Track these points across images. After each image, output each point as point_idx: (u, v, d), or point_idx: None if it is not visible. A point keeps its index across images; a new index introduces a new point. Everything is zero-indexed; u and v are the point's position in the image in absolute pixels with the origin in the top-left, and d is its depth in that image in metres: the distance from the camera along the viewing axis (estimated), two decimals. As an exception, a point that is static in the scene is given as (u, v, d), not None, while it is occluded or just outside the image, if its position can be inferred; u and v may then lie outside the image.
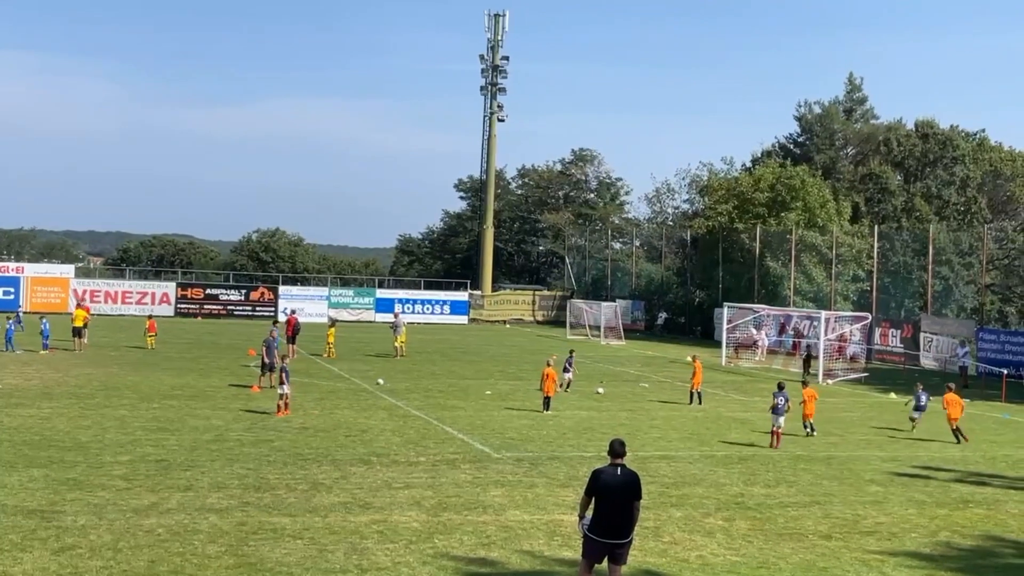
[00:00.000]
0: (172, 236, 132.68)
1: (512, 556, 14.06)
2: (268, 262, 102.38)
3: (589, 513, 11.89)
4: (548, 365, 29.58)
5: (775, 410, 24.51)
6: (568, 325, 67.18)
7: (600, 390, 34.03)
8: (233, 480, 18.00)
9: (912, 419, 27.72)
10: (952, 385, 28.18)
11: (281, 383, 26.43)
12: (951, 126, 77.22)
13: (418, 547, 14.23)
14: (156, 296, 68.91)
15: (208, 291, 71.58)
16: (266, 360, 31.40)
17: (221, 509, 15.86)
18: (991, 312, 62.67)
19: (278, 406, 26.22)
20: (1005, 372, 40.19)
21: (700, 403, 31.14)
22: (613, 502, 11.70)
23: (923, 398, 27.57)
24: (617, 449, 12.00)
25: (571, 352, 36.03)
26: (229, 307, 70.16)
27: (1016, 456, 24.58)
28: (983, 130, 79.16)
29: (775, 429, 24.47)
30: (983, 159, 74.91)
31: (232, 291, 72.35)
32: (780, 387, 25.25)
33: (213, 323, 64.37)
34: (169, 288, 70.49)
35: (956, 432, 26.41)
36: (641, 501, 11.97)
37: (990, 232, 63.60)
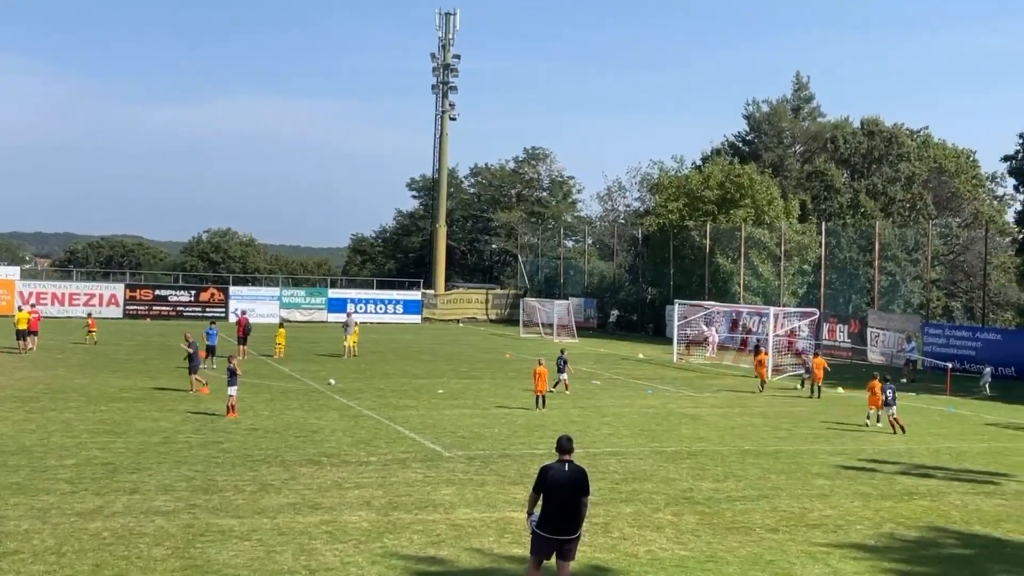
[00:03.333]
0: (121, 237, 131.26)
1: (462, 554, 14.07)
2: (219, 262, 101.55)
3: (537, 510, 11.94)
4: (540, 364, 29.50)
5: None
6: (521, 323, 67.28)
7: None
8: (181, 482, 17.83)
9: (892, 416, 27.78)
10: (877, 373, 29.15)
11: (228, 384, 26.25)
12: (896, 124, 78.45)
13: (367, 547, 14.19)
14: (104, 298, 68.02)
15: (157, 292, 70.83)
16: (194, 361, 31.17)
17: (168, 512, 15.70)
18: (936, 307, 63.69)
19: (227, 407, 26.02)
20: (950, 366, 40.85)
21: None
22: (561, 498, 11.75)
23: (888, 393, 27.74)
24: (565, 445, 12.06)
25: (562, 351, 35.25)
26: (178, 308, 69.42)
27: (959, 448, 24.99)
28: (927, 127, 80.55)
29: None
30: (927, 156, 76.13)
31: (181, 292, 71.61)
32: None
33: (162, 324, 63.65)
34: (117, 289, 69.62)
35: (871, 417, 27.92)
36: (589, 497, 12.04)
37: (935, 228, 64.65)
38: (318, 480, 18.46)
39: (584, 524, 12.21)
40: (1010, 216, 69.91)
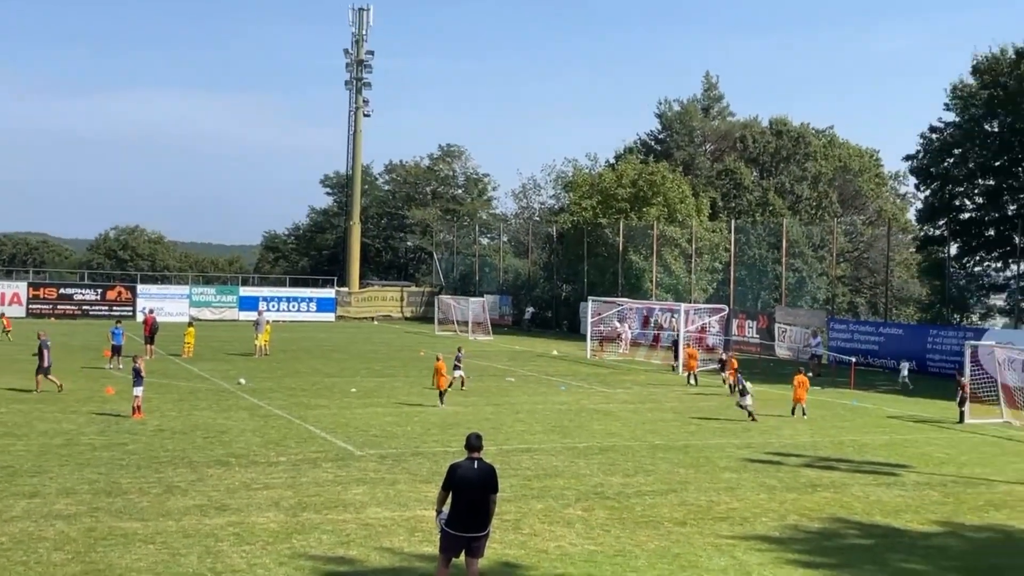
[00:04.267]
0: (25, 234, 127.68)
1: (371, 554, 14.00)
2: (127, 260, 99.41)
3: (446, 508, 11.95)
4: (438, 360, 29.62)
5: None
6: (436, 321, 67.15)
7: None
8: (83, 485, 17.44)
9: (743, 407, 28.36)
10: (801, 369, 30.40)
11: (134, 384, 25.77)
12: (802, 124, 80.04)
13: (275, 548, 14.05)
14: (7, 296, 66.16)
15: (62, 291, 69.14)
16: (45, 363, 30.30)
17: (69, 515, 15.35)
18: (842, 303, 65.18)
19: (133, 408, 25.51)
20: (854, 360, 41.81)
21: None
22: (470, 496, 11.77)
23: (742, 383, 28.69)
24: (474, 443, 12.09)
25: (459, 349, 35.18)
26: (84, 307, 67.87)
27: (862, 441, 25.63)
28: (832, 127, 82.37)
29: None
30: (833, 155, 77.80)
31: (87, 290, 69.98)
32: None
33: (67, 324, 62.11)
34: (20, 288, 67.79)
35: (797, 409, 28.98)
36: (498, 494, 12.09)
37: (840, 226, 66.17)
38: (226, 481, 18.21)
39: (493, 521, 12.26)
40: (911, 214, 71.94)
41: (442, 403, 28.90)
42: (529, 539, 15.01)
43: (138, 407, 25.50)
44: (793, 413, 29.09)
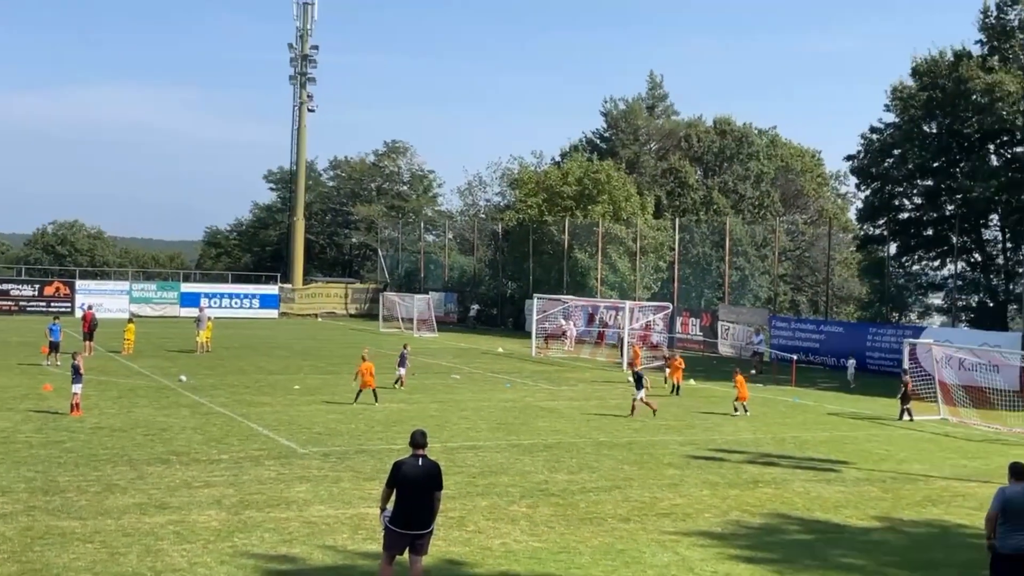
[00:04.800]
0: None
1: (314, 552, 13.89)
2: (65, 256, 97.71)
3: (390, 505, 11.89)
4: (364, 360, 29.22)
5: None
6: (381, 318, 66.84)
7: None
8: (19, 484, 17.10)
9: (638, 400, 28.48)
10: (737, 368, 30.87)
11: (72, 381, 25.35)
12: (746, 123, 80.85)
13: (216, 546, 13.88)
14: (-61, 292, 64.74)
15: (-2, 286, 67.77)
16: None
17: (4, 515, 15.04)
18: (783, 301, 65.99)
19: (71, 405, 25.09)
20: (795, 358, 42.33)
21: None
22: (415, 493, 11.73)
23: (640, 375, 28.88)
24: (418, 440, 12.04)
25: (405, 346, 34.86)
26: (21, 303, 66.59)
27: (803, 437, 25.95)
28: (775, 127, 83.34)
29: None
30: (775, 155, 78.73)
31: (24, 286, 68.64)
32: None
33: (3, 320, 60.92)
34: (-46, 283, 66.37)
35: (740, 407, 29.28)
36: (443, 492, 12.06)
37: (782, 225, 66.95)
38: (166, 479, 17.96)
39: (437, 519, 12.23)
40: (852, 213, 72.96)
41: (356, 401, 28.48)
42: (473, 536, 15.00)
43: (77, 404, 25.08)
44: (736, 411, 29.35)
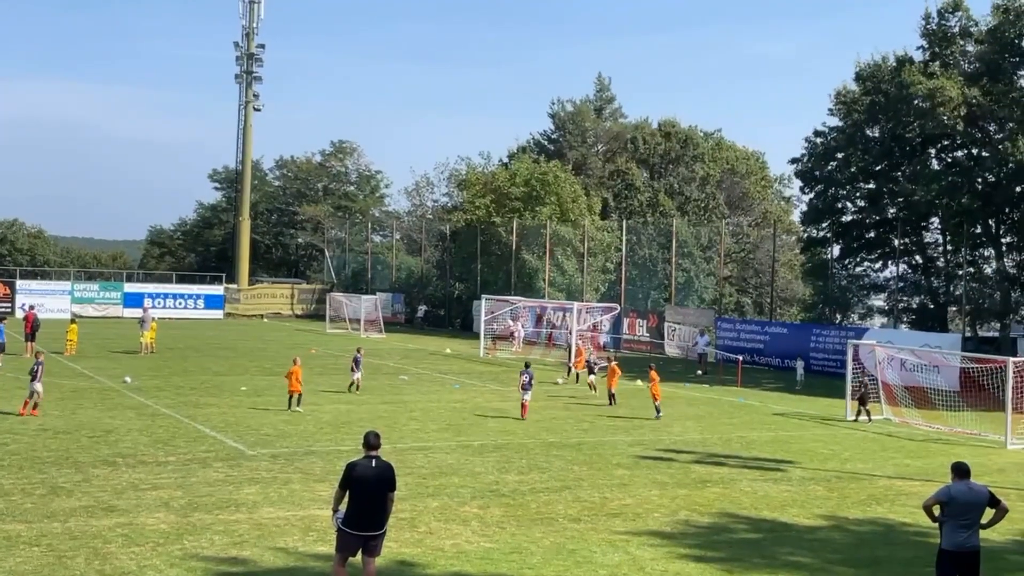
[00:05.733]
0: None
1: (265, 554, 13.82)
2: (5, 255, 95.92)
3: (343, 507, 11.87)
4: (295, 363, 27.87)
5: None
6: (328, 319, 66.48)
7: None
8: (-39, 488, 16.81)
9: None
10: (652, 364, 31.21)
11: (32, 379, 25.12)
12: (691, 126, 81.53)
13: (166, 549, 13.76)
14: None
15: (-66, 286, 66.36)
16: None
17: (-53, 519, 14.79)
18: (729, 303, 66.68)
19: (25, 403, 24.87)
20: (740, 359, 42.79)
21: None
22: (368, 494, 11.73)
23: (525, 378, 28.06)
24: (372, 441, 12.05)
25: (358, 350, 33.65)
26: (-41, 303, 65.25)
27: (750, 437, 26.26)
28: (720, 130, 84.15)
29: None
30: (721, 158, 79.49)
31: (-38, 286, 67.27)
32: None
33: (-60, 320, 59.68)
34: None
35: (656, 408, 28.85)
36: (395, 492, 12.06)
37: (727, 227, 67.66)
38: (113, 482, 17.75)
39: (390, 520, 12.22)
40: (796, 216, 73.88)
41: (290, 407, 27.22)
42: (425, 537, 15.01)
43: (34, 404, 24.87)
44: (658, 413, 28.64)
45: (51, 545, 13.68)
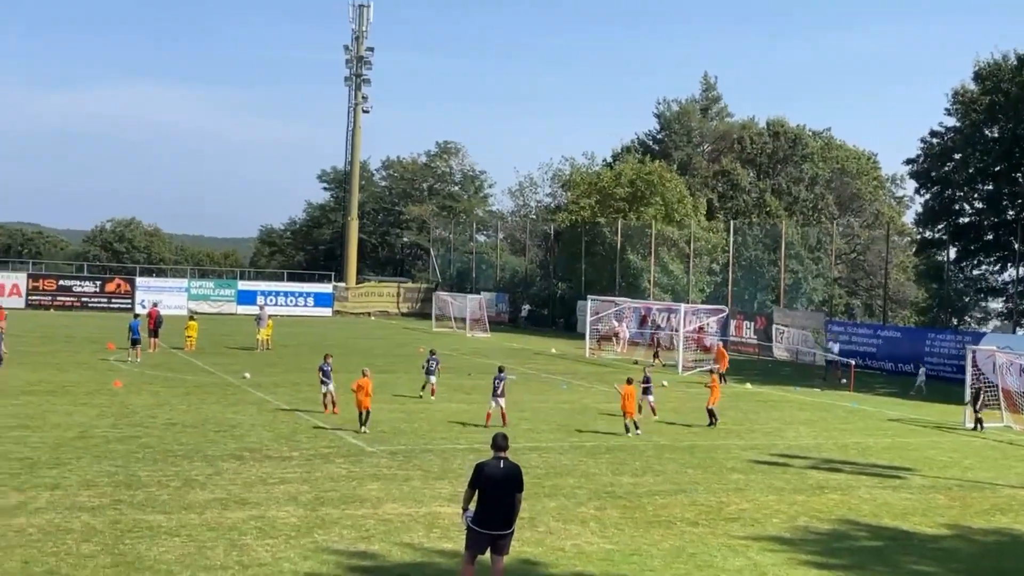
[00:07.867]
0: (18, 224, 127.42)
1: (393, 549, 14.21)
2: (123, 252, 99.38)
3: (472, 505, 12.17)
4: (364, 375, 24.41)
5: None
6: (433, 317, 67.32)
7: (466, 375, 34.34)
8: (103, 478, 17.61)
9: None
10: (631, 378, 26.92)
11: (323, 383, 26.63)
12: (799, 125, 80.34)
13: (298, 542, 14.25)
14: (6, 287, 66.16)
15: (61, 282, 69.16)
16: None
17: (93, 507, 15.53)
18: (838, 305, 65.55)
19: (325, 405, 26.42)
20: (853, 363, 42.05)
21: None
22: (497, 494, 11.99)
23: (497, 383, 25.97)
24: (500, 442, 12.33)
25: (432, 353, 31.54)
26: (83, 299, 67.91)
27: (865, 443, 25.90)
28: (829, 129, 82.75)
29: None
30: (830, 157, 78.17)
31: (86, 283, 70.01)
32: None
33: (67, 315, 62.21)
34: (20, 279, 67.81)
35: (631, 418, 25.42)
36: (523, 493, 12.31)
37: (837, 228, 66.52)
38: (242, 475, 18.40)
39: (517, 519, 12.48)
40: (909, 217, 72.33)
41: (362, 425, 24.03)
42: (545, 537, 15.24)
43: (334, 402, 26.41)
44: (627, 430, 25.30)
45: (191, 535, 14.29)
